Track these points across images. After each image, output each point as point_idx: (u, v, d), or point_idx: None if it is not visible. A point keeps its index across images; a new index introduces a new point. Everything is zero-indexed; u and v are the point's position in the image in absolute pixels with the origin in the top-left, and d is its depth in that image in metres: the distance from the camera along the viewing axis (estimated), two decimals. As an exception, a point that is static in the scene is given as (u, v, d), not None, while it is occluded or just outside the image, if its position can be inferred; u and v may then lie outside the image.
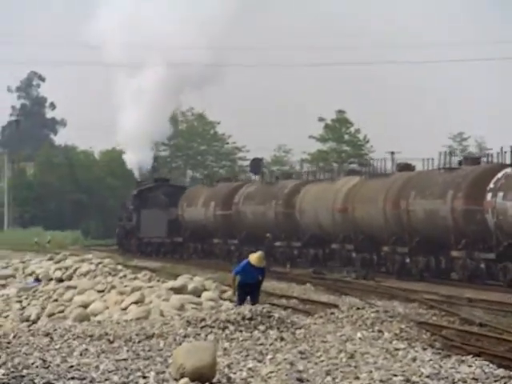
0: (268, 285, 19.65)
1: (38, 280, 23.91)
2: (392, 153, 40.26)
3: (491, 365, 11.72)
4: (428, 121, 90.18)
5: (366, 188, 34.92)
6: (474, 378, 10.52)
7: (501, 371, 11.24)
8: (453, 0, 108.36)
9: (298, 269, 35.96)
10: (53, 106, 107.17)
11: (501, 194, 27.28)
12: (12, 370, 10.11)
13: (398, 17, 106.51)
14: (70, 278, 23.44)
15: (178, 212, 47.80)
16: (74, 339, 12.87)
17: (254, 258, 16.69)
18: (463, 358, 12.29)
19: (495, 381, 10.43)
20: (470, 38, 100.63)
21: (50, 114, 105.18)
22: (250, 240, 41.26)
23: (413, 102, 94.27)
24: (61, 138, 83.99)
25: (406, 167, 34.92)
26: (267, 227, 40.20)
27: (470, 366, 11.46)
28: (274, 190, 41.63)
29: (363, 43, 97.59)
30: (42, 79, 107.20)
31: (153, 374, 10.14)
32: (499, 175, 27.84)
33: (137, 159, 55.38)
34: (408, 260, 31.61)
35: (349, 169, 44.53)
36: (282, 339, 12.71)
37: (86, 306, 18.64)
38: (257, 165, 51.65)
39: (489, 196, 27.70)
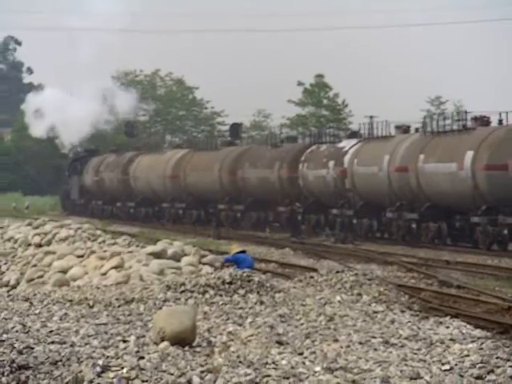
0: (247, 249, 19.63)
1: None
2: (371, 117, 40.25)
3: (468, 326, 11.84)
4: (408, 85, 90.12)
5: (197, 159, 44.63)
6: (451, 339, 10.61)
7: (478, 332, 11.36)
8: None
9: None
10: (30, 71, 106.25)
11: (306, 164, 37.57)
12: (-8, 335, 10.10)
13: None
14: (48, 243, 23.33)
15: (84, 178, 58.36)
16: (54, 304, 12.85)
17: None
18: (441, 319, 12.40)
19: (472, 341, 10.53)
20: (444, 3, 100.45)
21: (27, 79, 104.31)
22: (110, 201, 53.50)
23: (394, 66, 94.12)
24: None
25: (231, 143, 46.21)
26: (114, 190, 52.78)
27: (447, 328, 11.57)
28: (118, 161, 53.23)
29: (343, 10, 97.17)
30: (19, 43, 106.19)
31: (133, 338, 10.15)
32: (308, 151, 38.20)
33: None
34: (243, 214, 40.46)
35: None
36: (262, 303, 12.76)
37: (65, 272, 18.54)
38: (236, 130, 51.53)
39: (300, 166, 37.85)
